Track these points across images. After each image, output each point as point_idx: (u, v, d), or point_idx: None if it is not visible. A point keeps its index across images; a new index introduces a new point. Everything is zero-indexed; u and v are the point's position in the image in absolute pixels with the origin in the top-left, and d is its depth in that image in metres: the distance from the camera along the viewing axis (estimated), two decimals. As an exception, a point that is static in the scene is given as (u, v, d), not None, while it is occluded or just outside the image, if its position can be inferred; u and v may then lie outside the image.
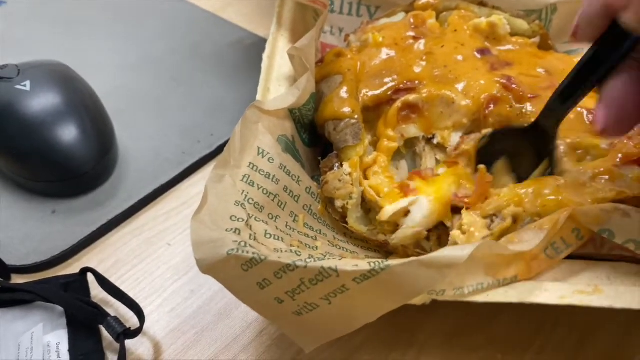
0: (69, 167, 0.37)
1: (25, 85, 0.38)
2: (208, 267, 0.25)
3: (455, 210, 0.30)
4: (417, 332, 0.31)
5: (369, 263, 0.23)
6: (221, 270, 0.25)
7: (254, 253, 0.24)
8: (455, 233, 0.28)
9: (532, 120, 0.31)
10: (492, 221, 0.28)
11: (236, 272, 0.24)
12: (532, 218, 0.28)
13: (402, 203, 0.30)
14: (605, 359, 0.30)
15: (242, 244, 0.24)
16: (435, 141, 0.34)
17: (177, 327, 0.32)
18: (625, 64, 0.25)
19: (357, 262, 0.23)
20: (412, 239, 0.30)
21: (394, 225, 0.31)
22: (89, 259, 0.35)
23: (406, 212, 0.30)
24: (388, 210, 0.30)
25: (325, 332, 0.25)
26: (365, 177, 0.33)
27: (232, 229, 0.26)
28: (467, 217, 0.29)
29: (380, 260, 0.23)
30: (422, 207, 0.30)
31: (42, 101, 0.37)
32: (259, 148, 0.30)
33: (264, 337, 0.31)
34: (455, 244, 0.28)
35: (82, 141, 0.37)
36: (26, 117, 0.37)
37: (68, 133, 0.37)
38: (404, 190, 0.31)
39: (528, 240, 0.26)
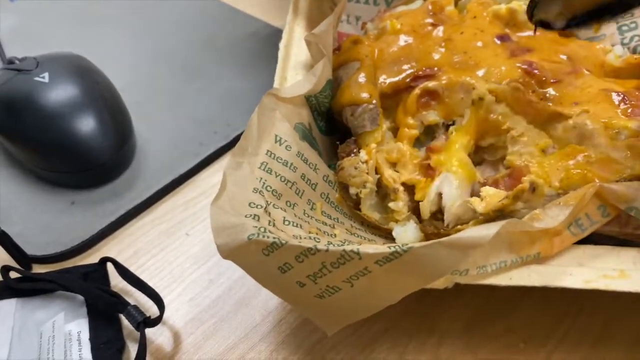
0: (88, 158, 0.37)
1: (43, 77, 0.38)
2: (229, 252, 0.24)
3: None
4: (438, 320, 0.31)
5: (389, 247, 0.23)
6: (242, 255, 0.24)
7: (274, 238, 0.24)
8: (474, 199, 0.28)
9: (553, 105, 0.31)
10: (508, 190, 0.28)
11: (257, 256, 0.24)
12: (556, 191, 0.27)
13: (432, 192, 0.29)
14: (630, 346, 0.30)
15: (262, 229, 0.24)
16: (454, 128, 0.33)
17: (196, 316, 0.32)
18: None
19: (378, 247, 0.23)
20: (463, 213, 0.29)
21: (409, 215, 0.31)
22: (108, 249, 0.35)
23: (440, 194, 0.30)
24: (426, 207, 0.29)
25: (347, 315, 0.25)
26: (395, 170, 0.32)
27: (251, 215, 0.26)
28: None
29: (402, 244, 0.23)
30: (450, 181, 0.29)
31: (60, 93, 0.38)
32: (276, 136, 0.30)
33: (284, 326, 0.31)
34: (474, 210, 0.27)
35: (100, 132, 0.38)
36: (45, 109, 0.37)
37: (86, 124, 0.37)
38: (426, 172, 0.30)
39: (553, 216, 0.25)
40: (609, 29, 0.38)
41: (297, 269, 0.24)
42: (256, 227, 0.24)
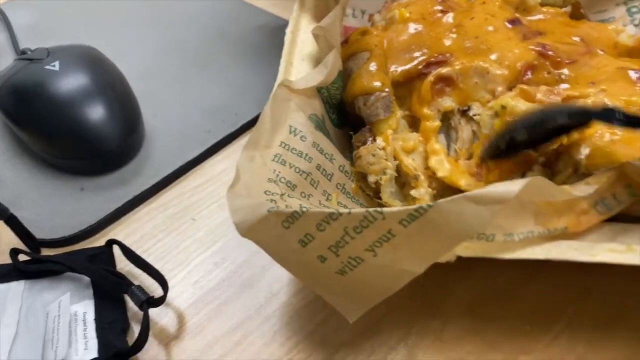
0: (97, 145, 0.38)
1: (54, 66, 0.39)
2: (248, 228, 0.24)
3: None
4: (441, 303, 0.30)
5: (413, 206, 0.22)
6: (261, 230, 0.24)
7: (294, 209, 0.23)
8: None
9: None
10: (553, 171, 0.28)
11: (277, 230, 0.24)
12: (578, 168, 0.27)
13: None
14: (638, 332, 0.29)
15: (279, 206, 0.24)
16: (471, 113, 0.33)
17: (200, 298, 0.32)
18: None
19: (401, 207, 0.23)
20: None
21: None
22: (116, 233, 0.35)
23: None
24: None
25: (370, 294, 0.24)
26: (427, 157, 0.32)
27: (268, 200, 0.25)
28: (536, 169, 0.29)
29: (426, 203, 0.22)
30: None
31: (70, 81, 0.38)
32: (290, 126, 0.30)
33: (288, 308, 0.31)
34: None
35: (109, 120, 0.38)
36: (55, 96, 0.37)
37: (96, 112, 0.38)
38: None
39: (581, 190, 0.25)
40: (618, 11, 0.37)
41: (318, 239, 0.23)
42: (274, 201, 0.24)
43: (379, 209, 0.22)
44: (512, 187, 0.22)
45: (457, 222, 0.22)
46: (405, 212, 0.22)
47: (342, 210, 0.23)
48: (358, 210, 0.23)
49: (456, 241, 0.23)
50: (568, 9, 0.38)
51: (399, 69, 0.35)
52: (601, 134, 0.28)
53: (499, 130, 0.30)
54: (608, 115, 0.25)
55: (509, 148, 0.29)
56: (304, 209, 0.23)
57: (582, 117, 0.26)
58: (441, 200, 0.22)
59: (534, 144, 0.29)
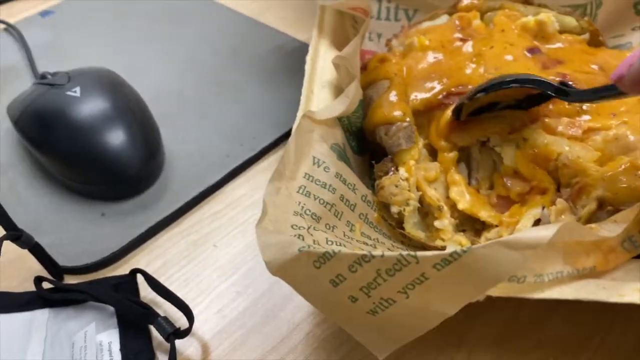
0: (118, 171, 0.38)
1: (75, 92, 0.39)
2: (278, 267, 0.24)
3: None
4: (466, 335, 0.31)
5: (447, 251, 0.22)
6: (292, 270, 0.24)
7: (325, 250, 0.23)
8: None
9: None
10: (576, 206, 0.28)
11: (308, 270, 0.24)
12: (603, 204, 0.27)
13: (531, 227, 0.29)
14: (663, 365, 0.29)
15: (310, 244, 0.24)
16: (490, 144, 0.33)
17: (224, 328, 0.32)
18: None
19: (435, 251, 0.23)
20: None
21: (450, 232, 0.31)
22: (138, 260, 0.36)
23: (537, 221, 0.30)
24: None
25: (400, 333, 0.24)
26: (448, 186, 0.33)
27: (295, 235, 0.25)
28: (560, 204, 0.29)
29: (460, 248, 0.22)
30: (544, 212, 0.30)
31: (91, 106, 0.38)
32: (314, 157, 0.30)
33: (311, 339, 0.31)
34: None
35: (130, 145, 0.38)
36: (77, 122, 0.38)
37: (116, 137, 0.38)
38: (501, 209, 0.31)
39: (609, 230, 0.25)
40: (635, 36, 0.38)
41: (350, 280, 0.23)
42: (304, 242, 0.24)
43: (412, 252, 0.22)
44: (545, 232, 0.22)
45: (490, 267, 0.22)
46: (440, 257, 0.22)
47: (375, 252, 0.23)
48: (391, 253, 0.23)
49: (489, 285, 0.23)
50: (586, 36, 0.38)
51: (419, 97, 0.35)
52: (625, 168, 0.28)
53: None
54: (563, 90, 0.29)
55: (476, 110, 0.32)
56: (336, 250, 0.23)
57: (537, 86, 0.30)
58: (475, 246, 0.22)
59: (494, 105, 0.32)
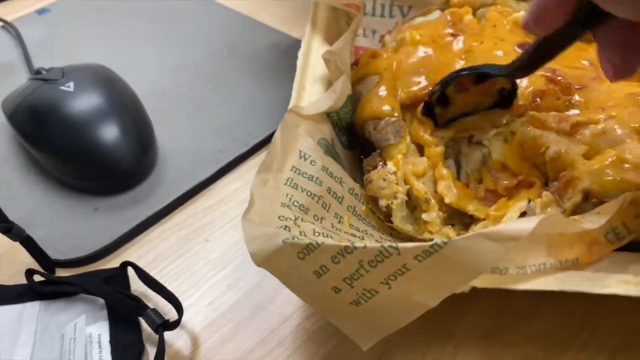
0: (111, 166, 0.38)
1: (69, 87, 0.39)
2: (263, 258, 0.24)
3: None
4: (454, 328, 0.31)
5: (429, 242, 0.22)
6: (276, 261, 0.24)
7: (309, 240, 0.23)
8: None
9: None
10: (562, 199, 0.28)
11: (292, 261, 0.24)
12: (589, 196, 0.27)
13: (517, 219, 0.29)
14: (651, 358, 0.29)
15: (295, 235, 0.24)
16: (474, 140, 0.33)
17: (214, 320, 0.32)
18: None
19: (416, 243, 0.23)
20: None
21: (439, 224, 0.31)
22: (129, 254, 0.36)
23: (523, 214, 0.30)
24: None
25: (384, 324, 0.24)
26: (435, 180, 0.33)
27: (282, 227, 0.25)
28: (545, 196, 0.29)
29: (441, 239, 0.22)
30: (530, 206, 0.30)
31: (85, 102, 0.39)
32: (300, 151, 0.30)
33: (301, 331, 0.31)
34: None
35: (123, 140, 0.38)
36: (70, 117, 0.38)
37: (110, 132, 0.38)
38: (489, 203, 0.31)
39: (592, 221, 0.25)
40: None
41: (333, 271, 0.24)
42: (289, 233, 0.24)
43: (394, 244, 0.23)
44: (526, 224, 0.22)
45: (471, 259, 0.22)
46: (421, 249, 0.22)
47: (358, 244, 0.23)
48: (373, 244, 0.23)
49: (470, 276, 0.23)
50: (578, 32, 0.38)
51: (406, 91, 0.35)
52: (612, 161, 0.29)
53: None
54: (502, 68, 0.31)
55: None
56: (320, 242, 0.23)
57: (482, 71, 0.32)
58: (456, 238, 0.22)
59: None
